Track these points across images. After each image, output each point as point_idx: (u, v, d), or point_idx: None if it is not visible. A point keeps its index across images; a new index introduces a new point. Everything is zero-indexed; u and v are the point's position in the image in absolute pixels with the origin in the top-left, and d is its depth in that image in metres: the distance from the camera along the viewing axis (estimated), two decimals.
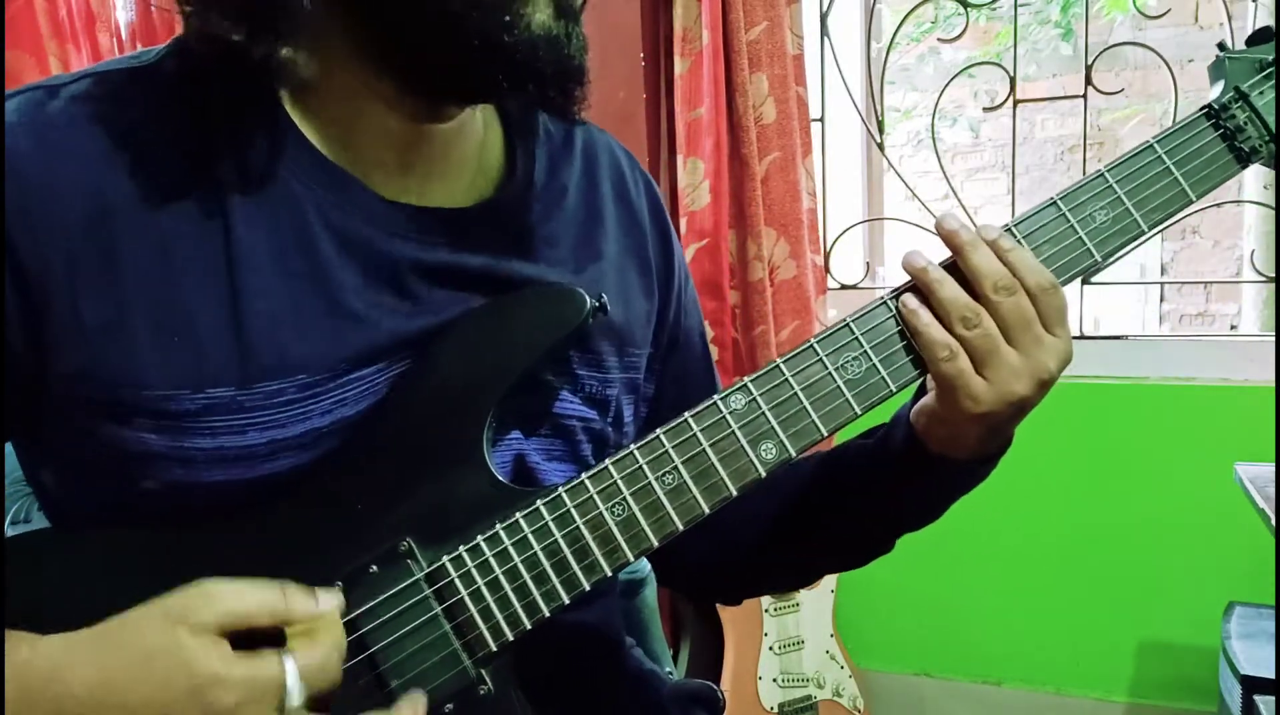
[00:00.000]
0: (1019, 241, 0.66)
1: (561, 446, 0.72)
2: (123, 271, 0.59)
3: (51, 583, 0.62)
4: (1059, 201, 0.67)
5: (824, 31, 2.10)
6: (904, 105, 5.05)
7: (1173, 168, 0.68)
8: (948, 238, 0.65)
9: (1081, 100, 2.02)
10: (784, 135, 1.85)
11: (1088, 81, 1.98)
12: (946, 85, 2.09)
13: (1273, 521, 1.25)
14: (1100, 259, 0.68)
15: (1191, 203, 0.69)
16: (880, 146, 2.15)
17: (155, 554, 0.62)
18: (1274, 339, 1.89)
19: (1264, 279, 2.00)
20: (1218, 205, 2.11)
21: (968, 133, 5.25)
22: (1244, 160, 0.69)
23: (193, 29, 0.60)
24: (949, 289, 0.64)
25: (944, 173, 2.09)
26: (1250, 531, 1.66)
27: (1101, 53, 1.97)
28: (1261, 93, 0.69)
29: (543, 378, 0.71)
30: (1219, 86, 0.71)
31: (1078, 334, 2.02)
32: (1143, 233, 0.68)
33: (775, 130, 1.84)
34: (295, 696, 0.54)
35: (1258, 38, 0.71)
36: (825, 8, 2.09)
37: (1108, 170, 0.68)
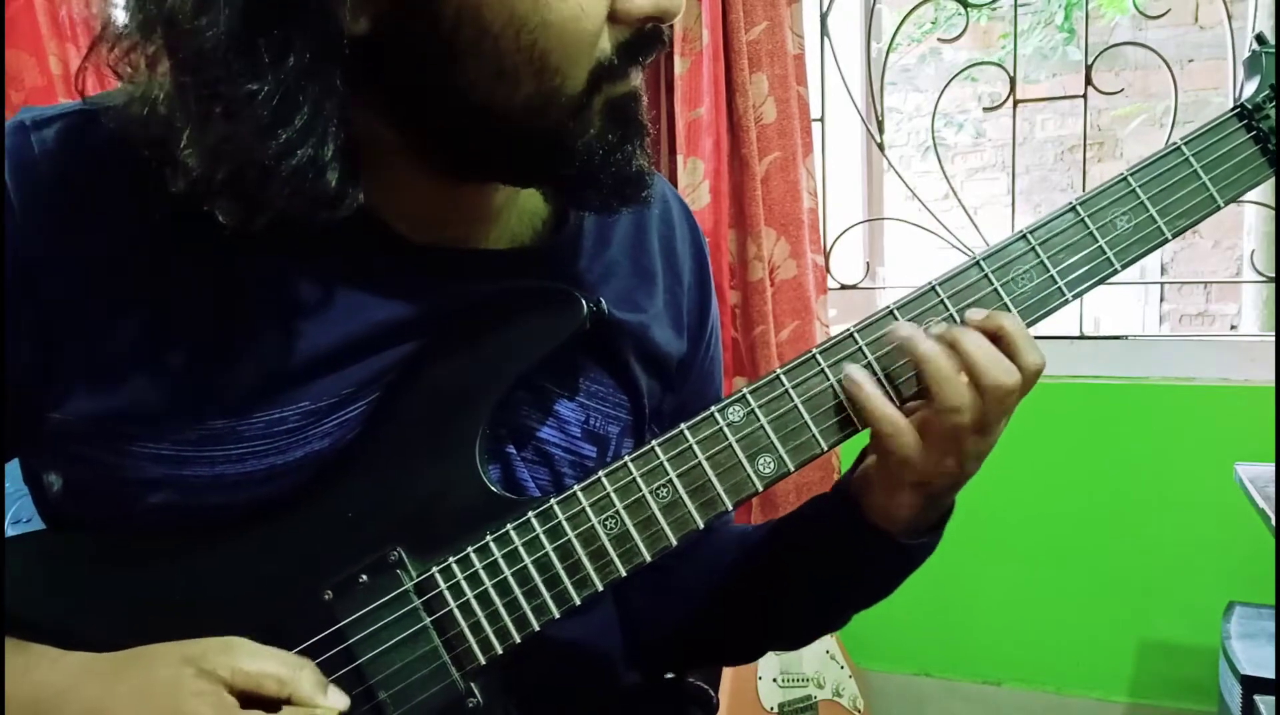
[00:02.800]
0: (952, 314, 0.62)
1: (546, 476, 0.70)
2: (140, 309, 0.58)
3: (46, 583, 0.62)
4: (1079, 207, 0.64)
5: (824, 31, 2.10)
6: (905, 106, 5.05)
7: (1201, 171, 0.64)
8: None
9: (1081, 100, 2.02)
10: (784, 135, 1.85)
11: (1088, 81, 1.97)
12: (946, 86, 2.09)
13: (1273, 521, 1.24)
14: (1119, 268, 0.64)
15: (1219, 209, 0.64)
16: (880, 146, 2.14)
17: (149, 563, 0.62)
18: (1274, 339, 1.89)
19: (1264, 279, 2.00)
20: None
21: (968, 133, 5.25)
22: (1277, 164, 0.64)
23: (219, 213, 0.55)
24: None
25: (944, 173, 2.09)
26: (1250, 531, 1.66)
27: (1101, 53, 1.97)
28: None
29: (545, 401, 0.69)
30: (1254, 83, 0.66)
31: (1078, 334, 2.02)
32: (1166, 240, 0.64)
33: (775, 130, 1.84)
34: None
35: None
36: (825, 8, 2.09)
37: (1131, 174, 0.64)
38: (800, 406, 0.62)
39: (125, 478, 0.60)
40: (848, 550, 0.70)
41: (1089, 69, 1.97)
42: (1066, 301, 0.64)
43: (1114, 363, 1.98)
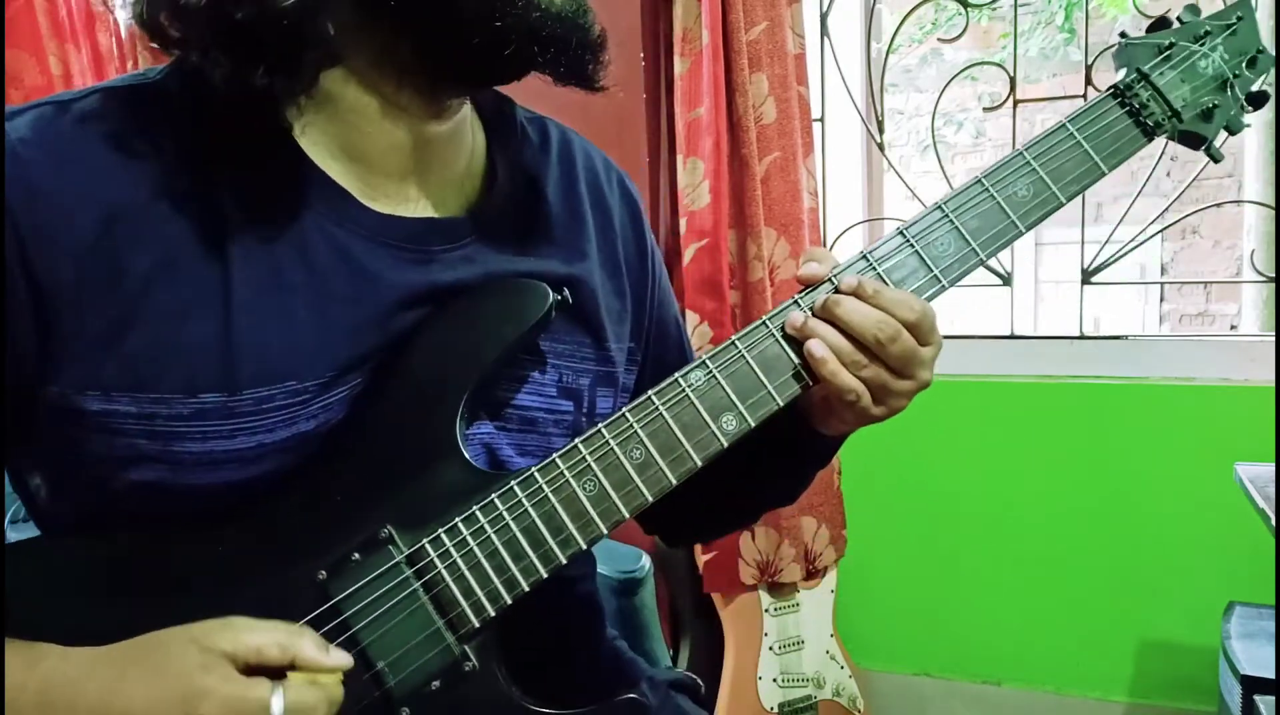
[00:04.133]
0: (879, 274, 0.71)
1: (535, 440, 0.74)
2: (126, 281, 0.60)
3: (44, 589, 0.63)
4: (983, 179, 0.73)
5: (824, 31, 2.10)
6: (905, 106, 5.06)
7: (1084, 143, 0.75)
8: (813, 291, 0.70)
9: (1081, 100, 2.02)
10: (784, 135, 1.85)
11: (1088, 81, 1.98)
12: (946, 86, 2.09)
13: (1273, 521, 1.24)
14: (1024, 229, 0.73)
15: (1104, 174, 0.75)
16: (880, 146, 2.14)
17: (142, 558, 0.63)
18: (1274, 339, 1.89)
19: (1264, 279, 2.00)
20: (1218, 205, 2.11)
21: (968, 133, 5.26)
22: (1149, 134, 0.76)
23: (216, 77, 0.61)
24: (836, 338, 0.68)
25: (944, 173, 2.09)
26: (1250, 531, 1.66)
27: (1102, 52, 1.97)
28: (1161, 73, 0.77)
29: (517, 371, 0.73)
30: (1123, 70, 0.78)
31: (1078, 334, 2.02)
32: (1061, 204, 0.74)
33: (775, 130, 1.84)
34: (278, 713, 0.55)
35: (1156, 25, 0.79)
36: (825, 8, 2.09)
37: (1026, 149, 0.74)
38: (754, 367, 0.69)
39: (115, 455, 0.61)
40: (803, 456, 0.82)
41: (1089, 69, 1.97)
42: (982, 261, 0.73)
43: (1114, 363, 1.98)
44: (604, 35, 0.68)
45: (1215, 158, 0.80)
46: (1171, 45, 0.77)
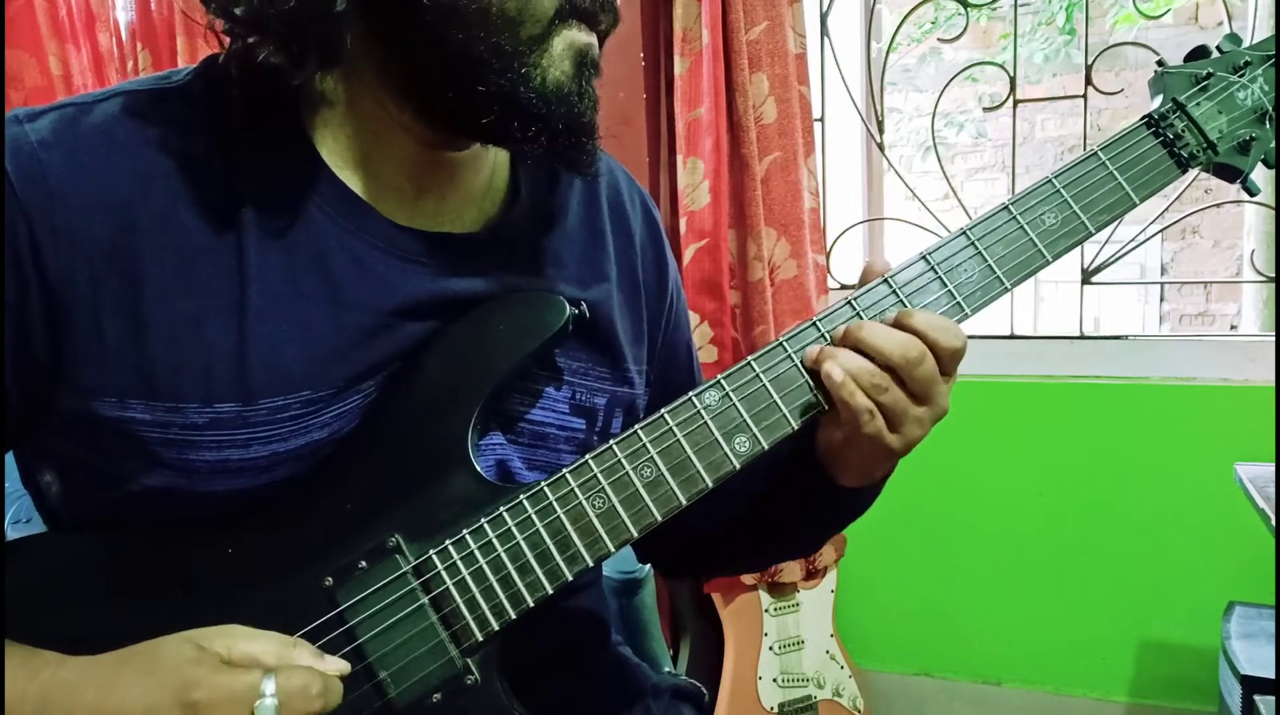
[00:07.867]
0: (901, 300, 0.69)
1: (544, 455, 0.73)
2: (143, 287, 0.60)
3: (50, 588, 0.63)
4: (1010, 206, 0.71)
5: (824, 31, 2.10)
6: (905, 106, 5.06)
7: (1116, 173, 0.72)
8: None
9: (1081, 100, 2.02)
10: (785, 135, 1.85)
11: (1088, 81, 1.98)
12: (946, 86, 2.09)
13: (1273, 521, 1.25)
14: (1050, 259, 0.71)
15: (1135, 205, 0.73)
16: (880, 146, 2.14)
17: (152, 560, 0.64)
18: (1274, 339, 1.90)
19: (1264, 279, 2.00)
20: (1218, 205, 2.11)
21: (968, 133, 5.26)
22: (1183, 166, 0.73)
23: (236, 50, 0.61)
24: (854, 362, 0.66)
25: (944, 173, 2.09)
26: (1250, 531, 1.66)
27: (1102, 53, 1.97)
28: (1198, 103, 0.74)
29: (531, 385, 0.73)
30: (1158, 99, 0.76)
31: (1078, 334, 2.02)
32: (1090, 234, 0.72)
33: (776, 130, 1.84)
34: (269, 696, 0.56)
35: (1193, 55, 0.76)
36: (825, 8, 2.09)
37: (1055, 177, 0.72)
38: (770, 389, 0.67)
39: (129, 461, 0.61)
40: (826, 509, 0.78)
41: (1089, 69, 1.97)
42: (1006, 289, 0.71)
43: (1114, 363, 1.98)
44: (595, 124, 0.66)
45: (1251, 191, 0.76)
46: (1209, 75, 0.74)
